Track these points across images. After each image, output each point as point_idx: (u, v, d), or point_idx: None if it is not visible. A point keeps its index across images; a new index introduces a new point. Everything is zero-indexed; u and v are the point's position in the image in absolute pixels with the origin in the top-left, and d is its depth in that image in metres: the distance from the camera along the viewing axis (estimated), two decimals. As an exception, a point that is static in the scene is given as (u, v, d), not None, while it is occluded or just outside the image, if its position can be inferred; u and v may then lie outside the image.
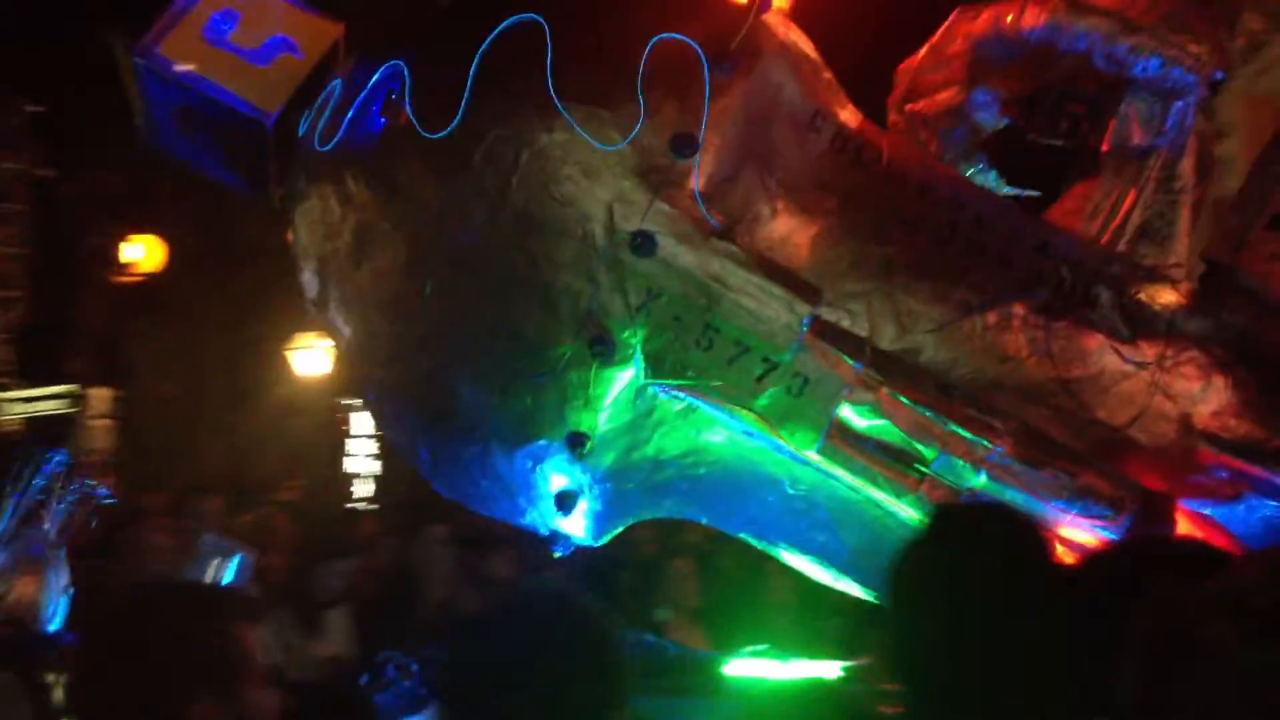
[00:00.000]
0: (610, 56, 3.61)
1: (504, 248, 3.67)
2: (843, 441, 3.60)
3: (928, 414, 3.56)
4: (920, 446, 3.58)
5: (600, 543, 4.17)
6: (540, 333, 3.67)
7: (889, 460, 3.59)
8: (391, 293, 3.82)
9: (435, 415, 3.91)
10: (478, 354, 3.76)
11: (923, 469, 3.58)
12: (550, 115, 3.59)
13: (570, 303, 3.63)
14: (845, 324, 3.71)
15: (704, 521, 4.27)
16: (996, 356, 3.71)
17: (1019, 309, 3.73)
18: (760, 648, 4.66)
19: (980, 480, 3.58)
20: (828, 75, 3.97)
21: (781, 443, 3.63)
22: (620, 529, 4.18)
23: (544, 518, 4.01)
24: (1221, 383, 3.76)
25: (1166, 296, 3.88)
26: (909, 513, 3.61)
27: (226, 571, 5.02)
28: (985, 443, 3.55)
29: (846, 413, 3.60)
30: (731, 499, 4.00)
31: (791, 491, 3.86)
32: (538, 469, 3.86)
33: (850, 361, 3.57)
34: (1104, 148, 4.14)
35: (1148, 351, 3.74)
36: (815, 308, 3.57)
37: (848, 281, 3.75)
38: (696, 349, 3.60)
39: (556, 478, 3.88)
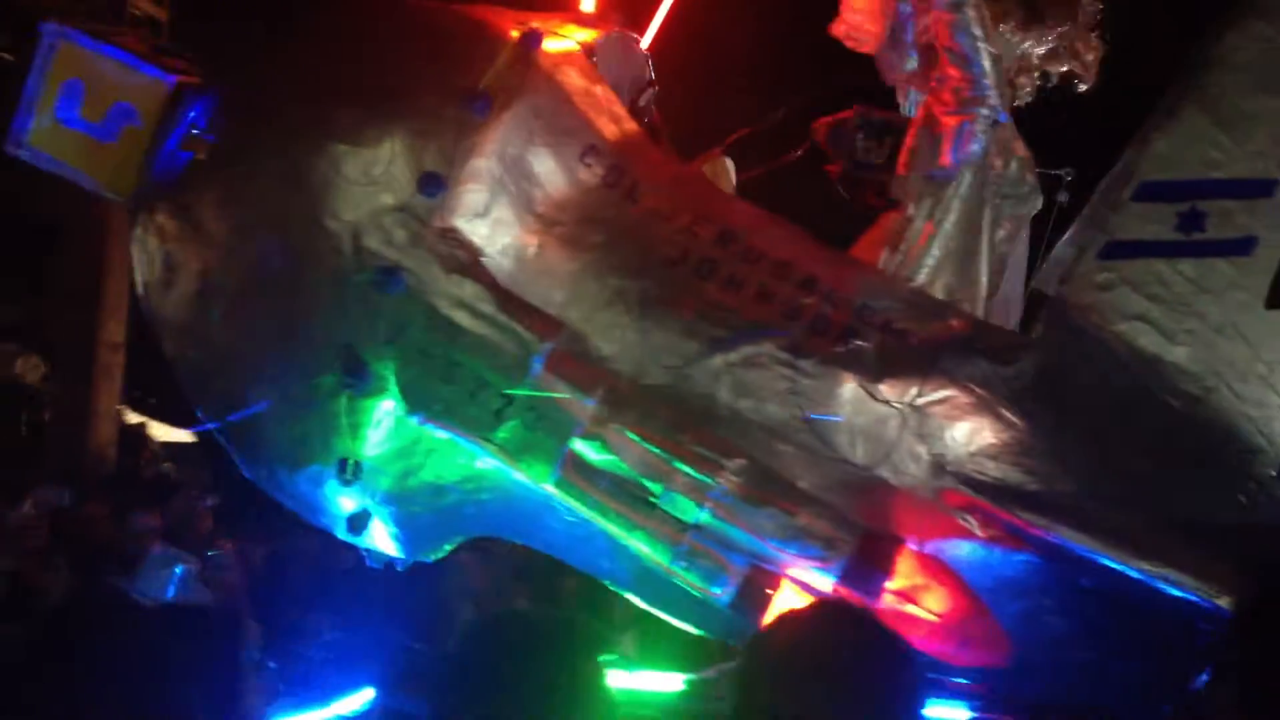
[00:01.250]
0: (366, 95, 3.78)
1: (276, 278, 3.89)
2: (577, 475, 3.69)
3: (655, 451, 3.62)
4: (647, 482, 3.64)
5: (422, 559, 4.36)
6: (304, 362, 3.88)
7: (619, 495, 3.66)
8: (190, 318, 4.08)
9: (231, 438, 4.16)
10: (257, 380, 3.98)
11: (651, 504, 3.64)
12: (317, 150, 3.78)
13: (326, 334, 3.82)
14: (603, 354, 3.79)
15: (519, 542, 4.41)
16: (742, 393, 3.74)
17: (768, 346, 3.74)
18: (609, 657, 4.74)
19: (704, 517, 3.62)
20: (618, 112, 4.04)
21: (521, 476, 3.74)
22: (442, 547, 4.36)
23: (350, 537, 4.23)
24: (981, 424, 3.69)
25: (936, 331, 3.82)
26: (641, 548, 3.67)
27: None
28: (710, 480, 3.58)
29: (581, 447, 3.68)
30: (520, 522, 4.13)
31: (569, 519, 3.97)
32: (318, 492, 4.07)
33: (582, 398, 3.65)
34: (903, 172, 4.10)
35: (900, 390, 3.70)
36: (549, 343, 3.65)
37: (606, 314, 3.83)
38: (442, 382, 3.75)
39: (344, 500, 4.09)
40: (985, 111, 3.86)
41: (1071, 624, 3.78)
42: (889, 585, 3.47)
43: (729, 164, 4.57)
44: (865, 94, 4.53)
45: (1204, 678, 3.80)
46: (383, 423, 3.88)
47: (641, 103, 4.44)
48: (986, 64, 3.92)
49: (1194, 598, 3.55)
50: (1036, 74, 4.40)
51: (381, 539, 4.20)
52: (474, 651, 2.14)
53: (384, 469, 3.95)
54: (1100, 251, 4.10)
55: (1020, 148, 4.21)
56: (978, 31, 3.93)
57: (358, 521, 4.08)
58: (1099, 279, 4.07)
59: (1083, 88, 4.60)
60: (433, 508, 4.09)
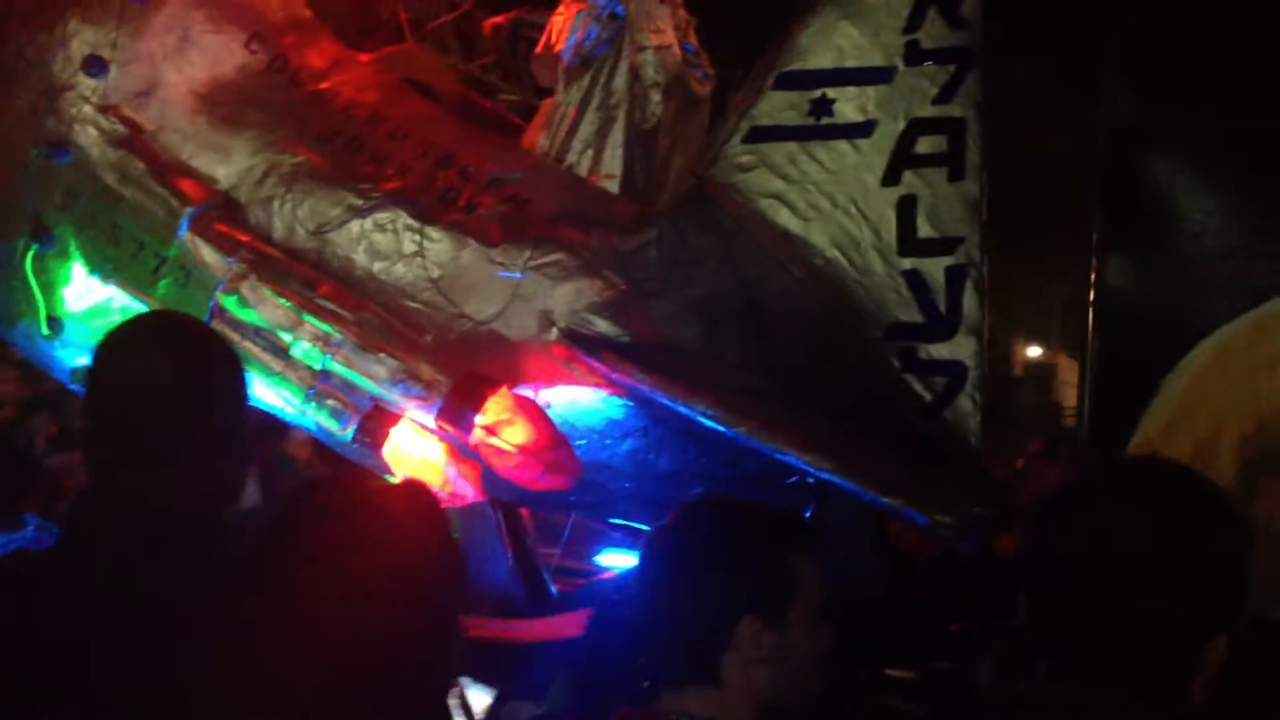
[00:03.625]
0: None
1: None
2: (225, 326, 4.13)
3: (287, 305, 4.06)
4: (281, 333, 4.08)
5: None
6: (3, 227, 4.35)
7: (260, 344, 4.11)
8: None
9: None
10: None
11: (286, 353, 4.09)
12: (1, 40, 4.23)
13: (15, 202, 4.28)
14: (259, 222, 4.23)
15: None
16: (376, 255, 4.17)
17: (401, 213, 4.16)
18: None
19: (329, 363, 4.06)
20: (290, 10, 4.44)
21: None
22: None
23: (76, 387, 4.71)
24: (586, 285, 4.09)
25: (559, 203, 4.22)
26: (282, 391, 4.13)
27: None
28: (333, 331, 4.02)
29: (224, 302, 4.13)
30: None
31: None
32: (35, 346, 4.56)
33: (223, 258, 4.09)
34: (561, 64, 4.48)
35: (515, 254, 4.11)
36: (192, 208, 4.09)
37: (262, 187, 4.26)
38: (109, 244, 4.21)
39: (60, 353, 4.57)
40: (601, 1, 4.21)
41: (674, 460, 4.20)
42: (478, 420, 3.88)
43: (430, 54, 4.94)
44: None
45: (810, 507, 4.21)
46: (75, 283, 4.33)
47: None
48: None
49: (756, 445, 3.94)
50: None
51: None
52: None
53: (85, 324, 4.41)
54: (744, 136, 4.47)
55: (667, 39, 4.56)
56: None
57: (76, 374, 4.55)
58: (741, 160, 4.45)
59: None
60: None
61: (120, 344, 1.90)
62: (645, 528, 4.40)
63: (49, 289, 4.34)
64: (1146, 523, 1.57)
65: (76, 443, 7.64)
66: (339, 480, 2.42)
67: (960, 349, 4.22)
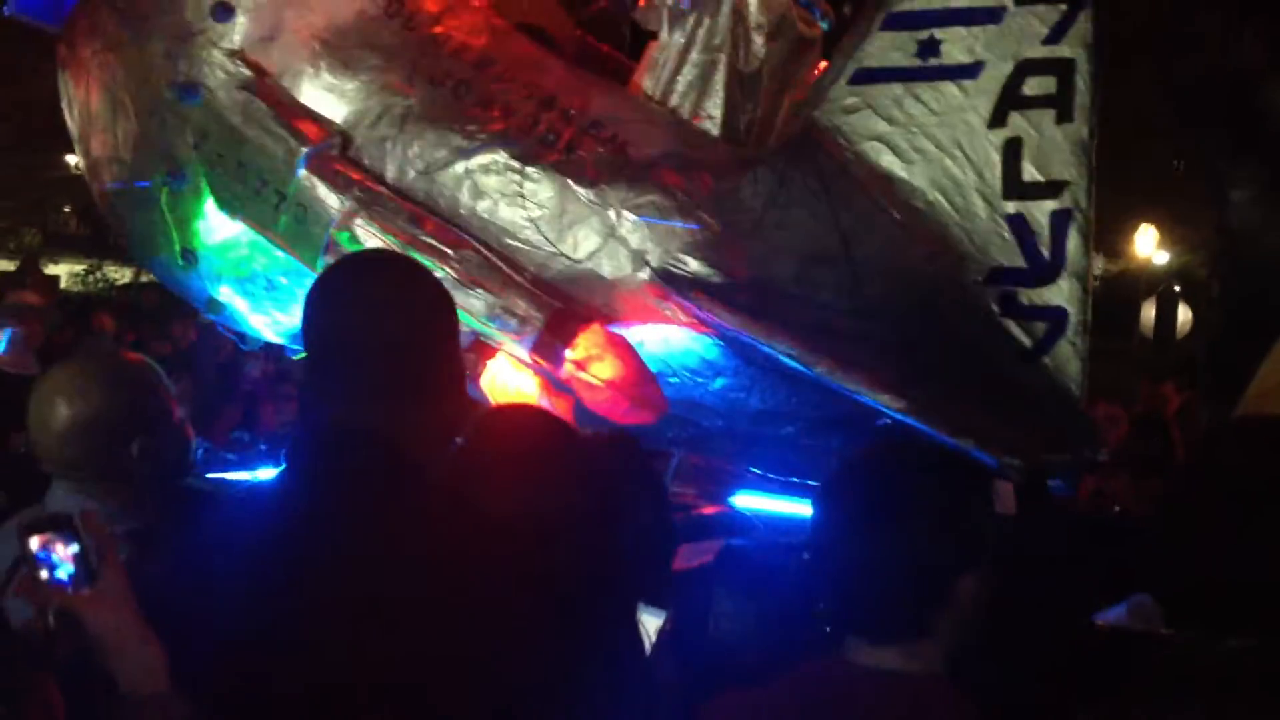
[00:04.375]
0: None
1: (120, 98, 4.67)
2: (337, 261, 4.36)
3: (394, 241, 4.25)
4: (389, 268, 4.28)
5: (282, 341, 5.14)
6: (141, 165, 4.66)
7: (369, 279, 4.32)
8: (81, 130, 4.90)
9: (121, 236, 5.01)
10: (120, 181, 4.79)
11: (393, 287, 4.29)
12: None
13: (152, 141, 4.58)
14: (372, 163, 4.44)
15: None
16: (478, 195, 4.32)
17: (502, 154, 4.31)
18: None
19: (432, 298, 4.24)
20: None
21: (297, 260, 4.44)
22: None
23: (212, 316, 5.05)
24: (682, 226, 4.18)
25: (660, 146, 4.31)
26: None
27: None
28: (435, 266, 4.20)
29: (336, 238, 4.35)
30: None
31: None
32: (172, 277, 4.89)
33: (337, 196, 4.31)
34: (666, 6, 4.54)
35: (611, 195, 4.22)
36: (308, 148, 4.31)
37: (376, 128, 4.46)
38: (235, 181, 4.47)
39: (194, 283, 4.89)
40: None
41: (765, 401, 4.27)
42: (569, 355, 4.02)
43: None
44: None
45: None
46: (206, 218, 4.62)
47: None
48: None
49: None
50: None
51: (239, 321, 4.98)
52: None
53: (216, 256, 4.70)
54: (850, 77, 4.46)
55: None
56: None
57: (212, 304, 4.87)
58: (846, 103, 4.45)
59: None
60: (268, 289, 4.82)
61: (339, 283, 1.95)
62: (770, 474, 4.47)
63: (182, 224, 4.63)
64: None
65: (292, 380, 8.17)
66: (521, 412, 2.55)
67: (1063, 294, 4.16)
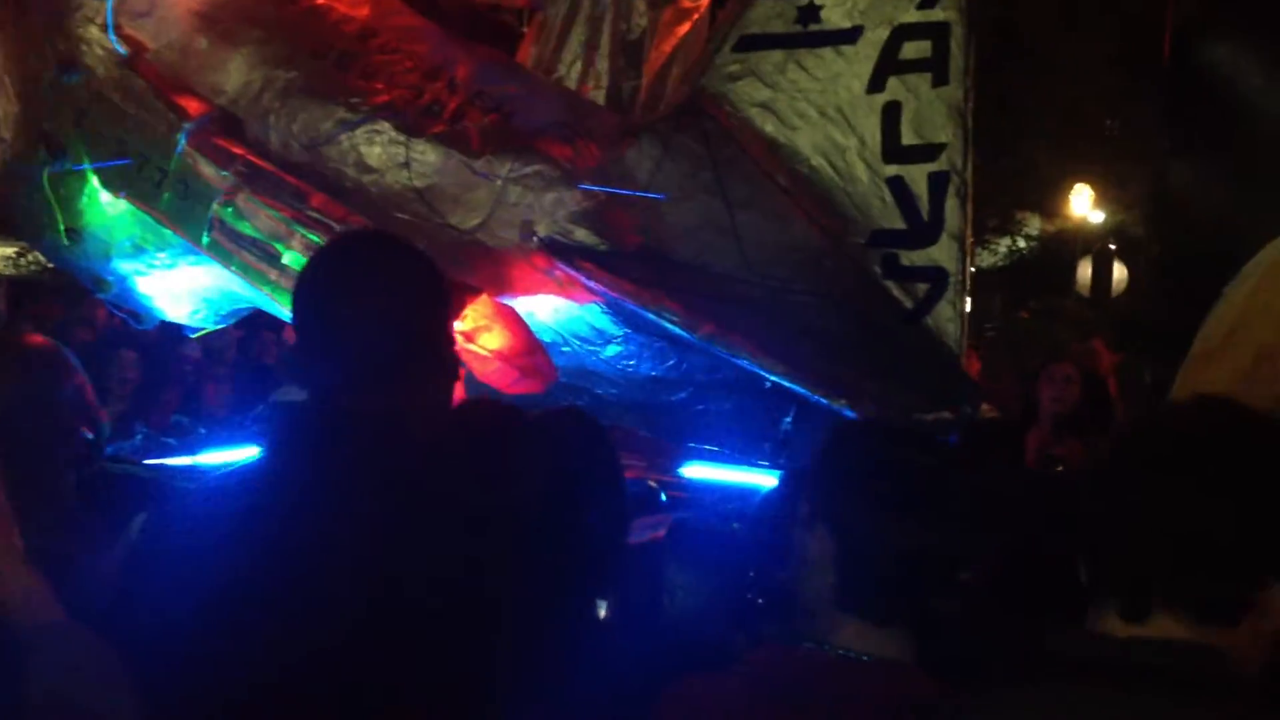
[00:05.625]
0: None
1: (2, 78, 4.60)
2: (222, 237, 4.33)
3: (278, 216, 4.23)
4: (276, 244, 4.26)
5: (180, 321, 5.10)
6: (19, 145, 4.60)
7: (255, 254, 4.30)
8: None
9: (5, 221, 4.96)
10: (2, 161, 4.73)
11: (279, 263, 4.28)
12: None
13: (32, 120, 4.52)
14: (256, 136, 4.40)
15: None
16: (364, 169, 4.31)
17: (387, 126, 4.29)
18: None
19: (318, 272, 4.23)
20: None
21: (182, 237, 4.41)
22: (191, 313, 5.09)
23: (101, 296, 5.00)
24: (566, 195, 4.20)
25: (543, 114, 4.31)
26: (275, 299, 4.33)
27: None
28: (321, 241, 4.19)
29: (220, 213, 4.33)
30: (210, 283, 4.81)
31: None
32: (59, 257, 4.84)
33: (219, 171, 4.28)
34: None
35: (497, 165, 4.22)
36: (189, 123, 4.28)
37: (259, 102, 4.42)
38: (117, 158, 4.42)
39: (82, 263, 4.84)
40: None
41: (655, 367, 4.31)
42: (458, 327, 4.03)
43: None
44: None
45: (789, 416, 4.30)
46: (89, 196, 4.57)
47: None
48: None
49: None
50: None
51: (133, 297, 4.94)
52: None
53: (101, 236, 4.66)
54: (734, 44, 4.49)
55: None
56: None
57: (100, 283, 4.82)
58: (730, 69, 4.48)
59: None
60: (159, 267, 4.79)
61: (333, 264, 1.96)
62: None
63: (66, 202, 4.58)
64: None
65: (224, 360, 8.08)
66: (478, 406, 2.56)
67: (941, 255, 4.23)
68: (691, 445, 4.51)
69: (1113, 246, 20.58)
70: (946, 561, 1.74)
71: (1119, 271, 19.44)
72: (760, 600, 2.34)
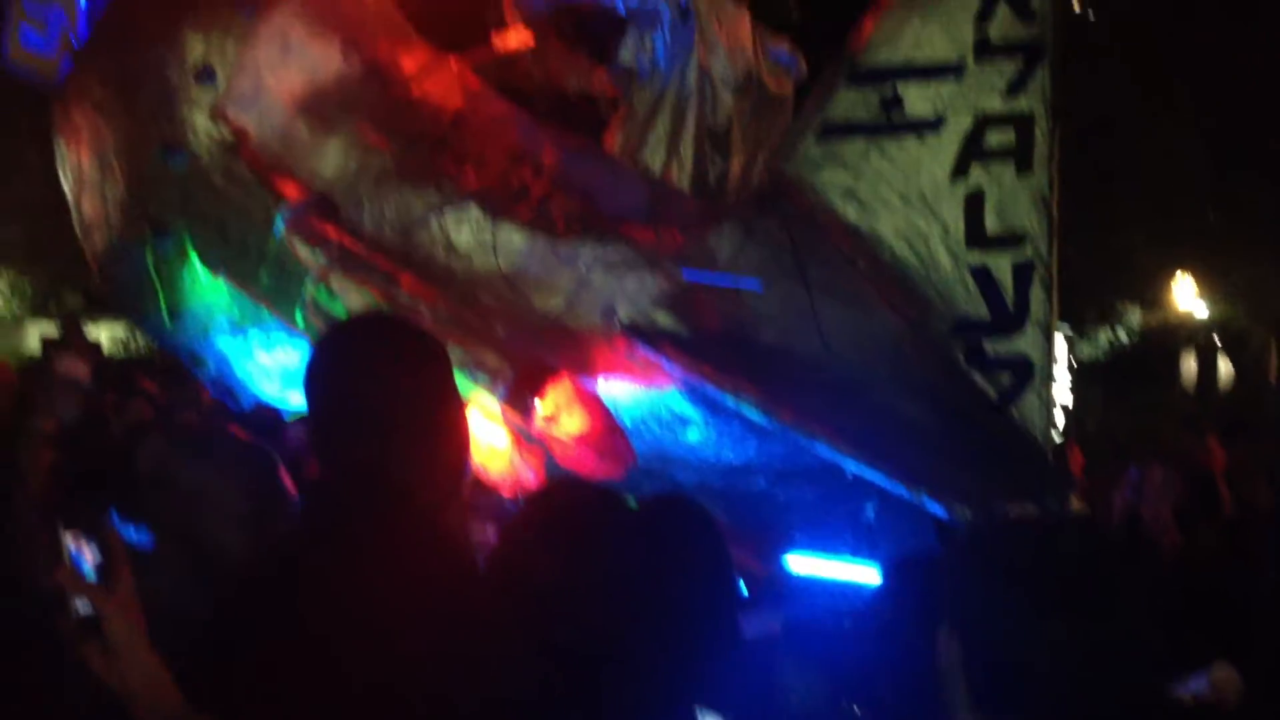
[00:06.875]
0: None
1: (112, 161, 4.83)
2: (316, 316, 4.47)
3: (370, 298, 4.36)
4: (364, 323, 4.37)
5: (272, 401, 5.25)
6: (127, 226, 4.81)
7: (346, 333, 4.42)
8: (77, 188, 5.07)
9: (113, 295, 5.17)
10: (109, 242, 4.95)
11: (368, 341, 4.38)
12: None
13: (138, 203, 4.73)
14: (350, 218, 4.55)
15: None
16: (451, 250, 4.42)
17: (474, 210, 4.41)
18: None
19: (404, 352, 4.33)
20: (383, 10, 4.75)
21: (278, 317, 4.56)
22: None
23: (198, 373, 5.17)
24: (649, 279, 4.25)
25: (627, 201, 4.39)
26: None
27: None
28: (408, 321, 4.30)
29: (314, 293, 4.46)
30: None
31: None
32: (165, 336, 5.02)
33: (314, 253, 4.42)
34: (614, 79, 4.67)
35: (581, 249, 4.30)
36: (288, 209, 4.44)
37: (354, 187, 4.58)
38: (220, 240, 4.60)
39: (183, 341, 5.02)
40: (664, 9, 4.34)
41: (734, 453, 4.30)
42: (539, 409, 4.08)
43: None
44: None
45: (872, 505, 4.25)
46: (191, 276, 4.75)
47: None
48: None
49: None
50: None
51: (229, 371, 5.09)
52: None
53: (201, 315, 4.83)
54: (817, 132, 4.54)
55: (739, 39, 4.65)
56: None
57: (195, 359, 4.99)
58: (813, 156, 4.52)
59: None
60: (256, 343, 4.94)
61: (340, 348, 2.02)
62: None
63: (168, 282, 4.76)
64: None
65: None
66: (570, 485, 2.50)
67: (1027, 345, 4.17)
68: (772, 534, 4.46)
69: (1217, 339, 20.11)
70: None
71: (1224, 365, 18.96)
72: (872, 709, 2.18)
